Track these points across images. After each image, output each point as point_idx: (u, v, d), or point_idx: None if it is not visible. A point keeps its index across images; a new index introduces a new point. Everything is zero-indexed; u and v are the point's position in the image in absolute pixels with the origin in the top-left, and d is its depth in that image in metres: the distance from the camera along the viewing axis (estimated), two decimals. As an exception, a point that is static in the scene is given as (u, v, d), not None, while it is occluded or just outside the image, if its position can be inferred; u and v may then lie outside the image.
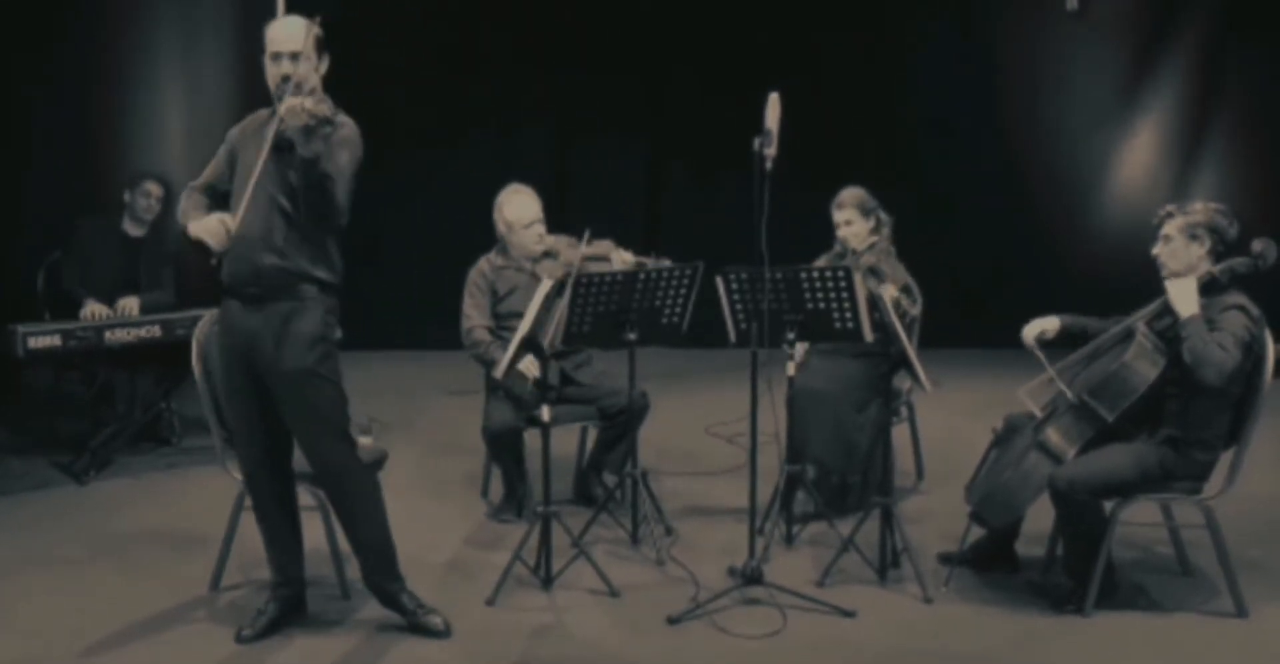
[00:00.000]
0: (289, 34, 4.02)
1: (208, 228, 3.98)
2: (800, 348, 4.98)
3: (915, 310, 5.08)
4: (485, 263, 5.48)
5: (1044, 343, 4.63)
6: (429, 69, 8.61)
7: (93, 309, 6.23)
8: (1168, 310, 4.38)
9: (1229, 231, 4.41)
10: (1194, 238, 4.40)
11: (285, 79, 3.98)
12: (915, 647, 4.26)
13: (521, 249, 5.43)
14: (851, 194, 5.58)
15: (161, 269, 6.59)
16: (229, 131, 4.27)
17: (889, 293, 5.00)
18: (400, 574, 4.34)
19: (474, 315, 5.39)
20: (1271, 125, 8.46)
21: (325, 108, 3.83)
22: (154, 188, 6.57)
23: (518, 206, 5.41)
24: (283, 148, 3.92)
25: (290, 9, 6.89)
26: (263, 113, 4.21)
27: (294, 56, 3.99)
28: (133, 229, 6.58)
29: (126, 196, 6.57)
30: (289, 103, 3.80)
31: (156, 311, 6.34)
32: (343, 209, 4.01)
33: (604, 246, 5.26)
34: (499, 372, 4.72)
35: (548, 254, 5.40)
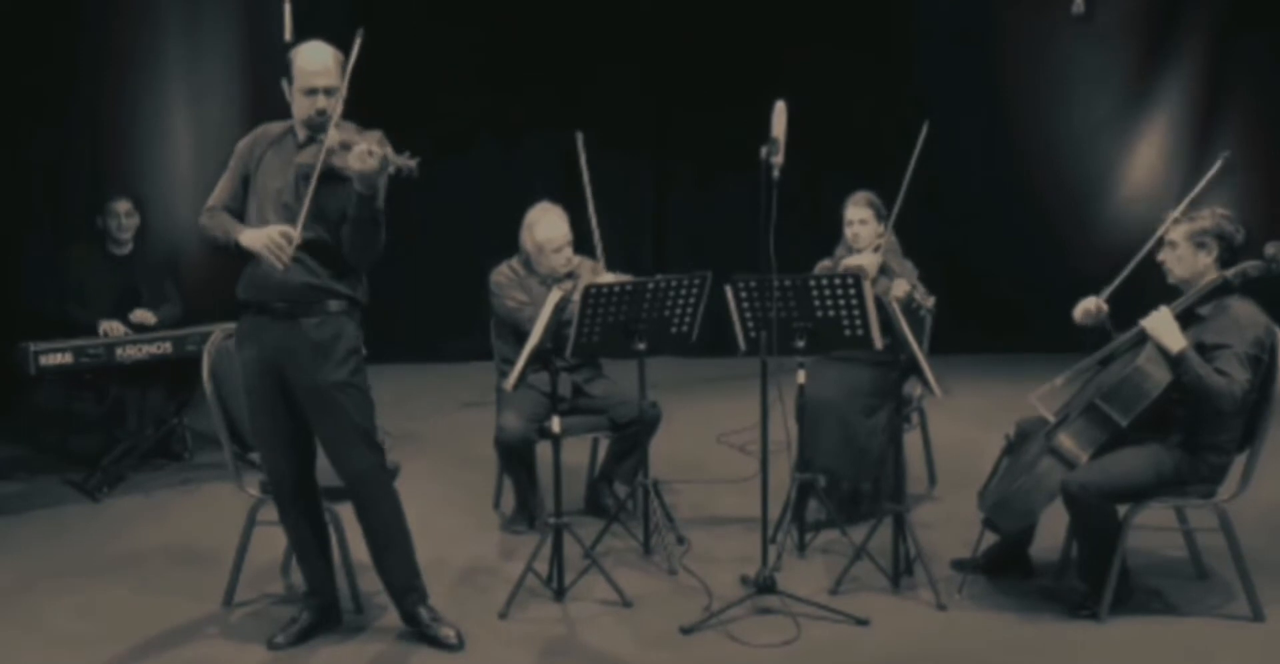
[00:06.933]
0: (324, 67, 4.03)
1: (265, 242, 3.93)
2: (800, 373, 4.97)
3: (930, 303, 5.05)
4: (508, 268, 5.44)
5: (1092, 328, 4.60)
6: (431, 78, 8.62)
7: (108, 326, 6.18)
8: (1180, 315, 4.35)
9: (1236, 238, 4.39)
10: (1201, 246, 4.38)
11: (321, 113, 4.03)
12: (930, 654, 4.25)
13: (548, 270, 5.40)
14: (866, 196, 5.63)
15: (162, 283, 6.57)
16: (237, 147, 4.22)
17: (901, 288, 5.00)
18: (421, 585, 4.36)
19: (525, 304, 5.33)
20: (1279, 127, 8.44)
21: (392, 152, 3.89)
22: (120, 206, 6.45)
23: (549, 227, 5.33)
24: (332, 180, 3.97)
25: (301, 21, 6.91)
26: (273, 128, 4.21)
27: (329, 92, 4.03)
28: (117, 249, 6.49)
29: (99, 222, 6.48)
30: (359, 149, 3.86)
31: (170, 326, 6.33)
32: (383, 239, 4.09)
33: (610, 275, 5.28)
34: (509, 384, 4.72)
35: (570, 275, 5.39)
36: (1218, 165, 4.69)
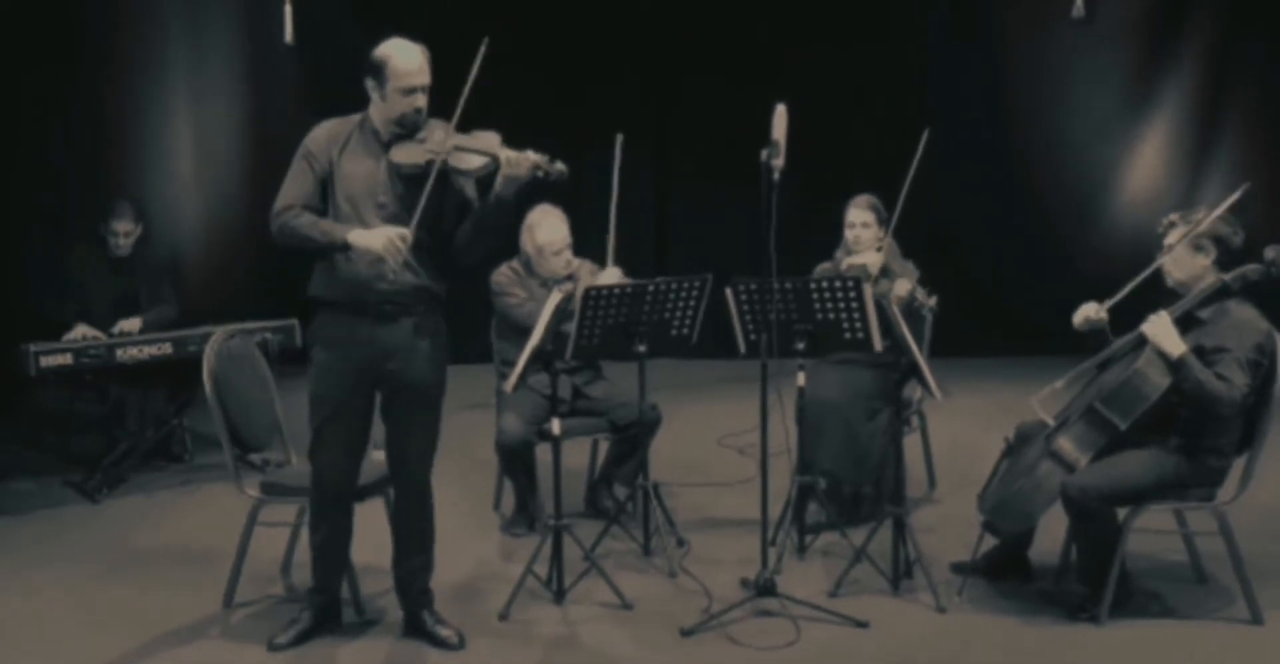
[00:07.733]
0: (421, 66, 4.11)
1: (385, 243, 3.94)
2: (800, 376, 4.99)
3: (932, 302, 5.05)
4: (508, 268, 5.45)
5: (1091, 332, 4.57)
6: (433, 77, 8.61)
7: (81, 332, 6.15)
8: (1179, 319, 4.36)
9: (1234, 240, 4.38)
10: (1198, 248, 4.37)
11: (418, 111, 4.11)
12: (929, 657, 4.25)
13: (548, 272, 5.40)
14: (868, 198, 5.65)
15: (161, 284, 6.57)
16: (307, 147, 4.15)
17: (904, 287, 5.00)
18: (430, 589, 4.38)
19: (526, 300, 5.34)
20: (1280, 129, 8.44)
21: (543, 158, 4.05)
22: (121, 226, 6.41)
23: (549, 230, 5.34)
24: (441, 181, 4.04)
25: (301, 21, 6.92)
26: (336, 127, 4.18)
27: (424, 90, 4.11)
28: (118, 251, 6.48)
29: (101, 228, 6.48)
30: (513, 155, 4.01)
31: (162, 328, 6.33)
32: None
33: (610, 273, 5.27)
34: (509, 386, 4.72)
35: (569, 277, 5.39)
36: (1238, 194, 4.49)
